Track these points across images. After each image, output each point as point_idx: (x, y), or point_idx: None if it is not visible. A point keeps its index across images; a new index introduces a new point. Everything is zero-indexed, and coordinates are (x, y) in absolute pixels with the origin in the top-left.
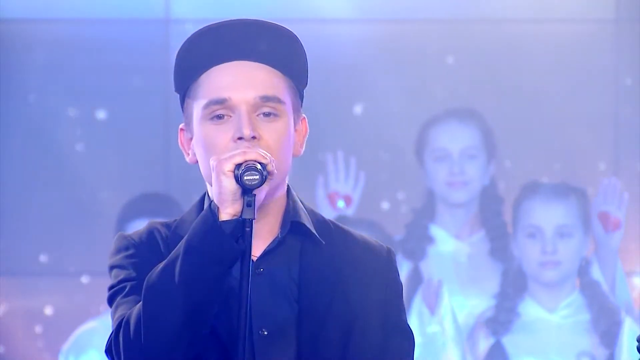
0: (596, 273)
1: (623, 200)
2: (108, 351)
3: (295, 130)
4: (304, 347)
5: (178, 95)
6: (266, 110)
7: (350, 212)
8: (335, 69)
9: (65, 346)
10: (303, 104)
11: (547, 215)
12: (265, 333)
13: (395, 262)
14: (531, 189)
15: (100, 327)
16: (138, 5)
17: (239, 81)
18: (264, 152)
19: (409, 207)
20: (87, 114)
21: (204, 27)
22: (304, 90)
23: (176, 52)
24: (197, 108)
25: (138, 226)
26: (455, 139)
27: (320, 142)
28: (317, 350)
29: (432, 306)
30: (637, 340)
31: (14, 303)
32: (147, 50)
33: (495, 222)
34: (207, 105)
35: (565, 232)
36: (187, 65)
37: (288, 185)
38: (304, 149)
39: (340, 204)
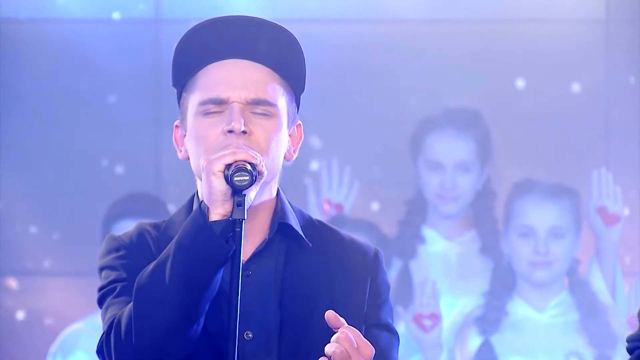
0: (594, 274)
1: (618, 194)
2: (99, 352)
3: (290, 135)
4: (285, 351)
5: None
6: (258, 111)
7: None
8: (331, 71)
9: (53, 348)
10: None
11: (541, 216)
12: (250, 336)
13: (382, 263)
14: (524, 188)
15: (87, 328)
16: (128, 5)
17: (235, 80)
18: (254, 152)
19: (402, 207)
20: (78, 115)
21: (203, 22)
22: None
23: (168, 51)
24: (192, 103)
25: (124, 226)
26: (450, 151)
27: (314, 148)
28: (299, 353)
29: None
30: (627, 341)
31: (9, 303)
32: (138, 50)
33: (487, 219)
34: (203, 103)
35: (558, 233)
36: (186, 60)
37: (278, 188)
38: (297, 155)
39: (331, 212)
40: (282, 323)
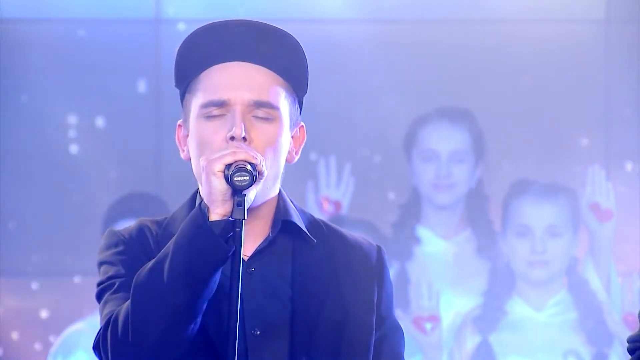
0: (588, 271)
1: (610, 190)
2: (96, 348)
3: (292, 136)
4: (297, 346)
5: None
6: (260, 114)
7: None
8: (330, 70)
9: (54, 348)
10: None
11: (537, 215)
12: (257, 333)
13: (385, 259)
14: (521, 188)
15: (87, 328)
16: (128, 5)
17: (238, 82)
18: (254, 152)
19: (398, 207)
20: (77, 115)
21: (207, 24)
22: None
23: (168, 51)
24: (195, 104)
25: (124, 226)
26: (444, 140)
27: (312, 146)
28: (310, 348)
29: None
30: (628, 342)
31: (8, 304)
32: (138, 50)
33: (481, 220)
34: (205, 105)
35: (555, 232)
36: (189, 61)
37: (280, 187)
38: (299, 156)
39: (329, 208)
40: (294, 317)
